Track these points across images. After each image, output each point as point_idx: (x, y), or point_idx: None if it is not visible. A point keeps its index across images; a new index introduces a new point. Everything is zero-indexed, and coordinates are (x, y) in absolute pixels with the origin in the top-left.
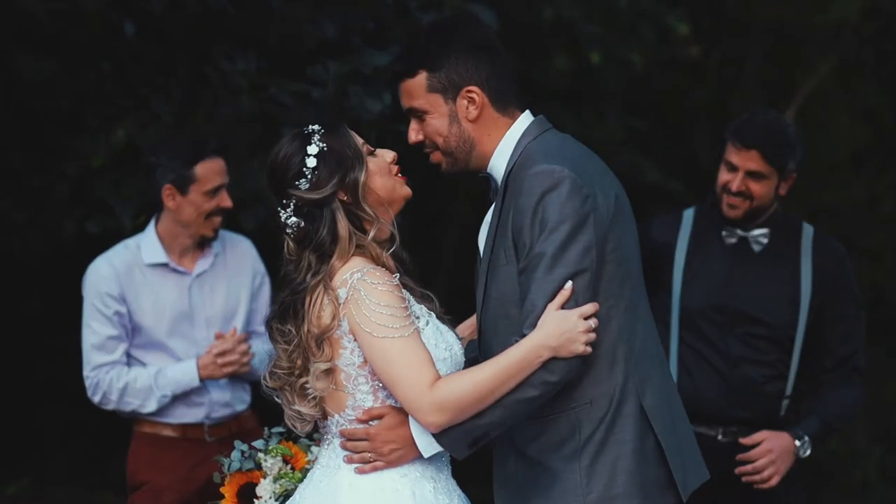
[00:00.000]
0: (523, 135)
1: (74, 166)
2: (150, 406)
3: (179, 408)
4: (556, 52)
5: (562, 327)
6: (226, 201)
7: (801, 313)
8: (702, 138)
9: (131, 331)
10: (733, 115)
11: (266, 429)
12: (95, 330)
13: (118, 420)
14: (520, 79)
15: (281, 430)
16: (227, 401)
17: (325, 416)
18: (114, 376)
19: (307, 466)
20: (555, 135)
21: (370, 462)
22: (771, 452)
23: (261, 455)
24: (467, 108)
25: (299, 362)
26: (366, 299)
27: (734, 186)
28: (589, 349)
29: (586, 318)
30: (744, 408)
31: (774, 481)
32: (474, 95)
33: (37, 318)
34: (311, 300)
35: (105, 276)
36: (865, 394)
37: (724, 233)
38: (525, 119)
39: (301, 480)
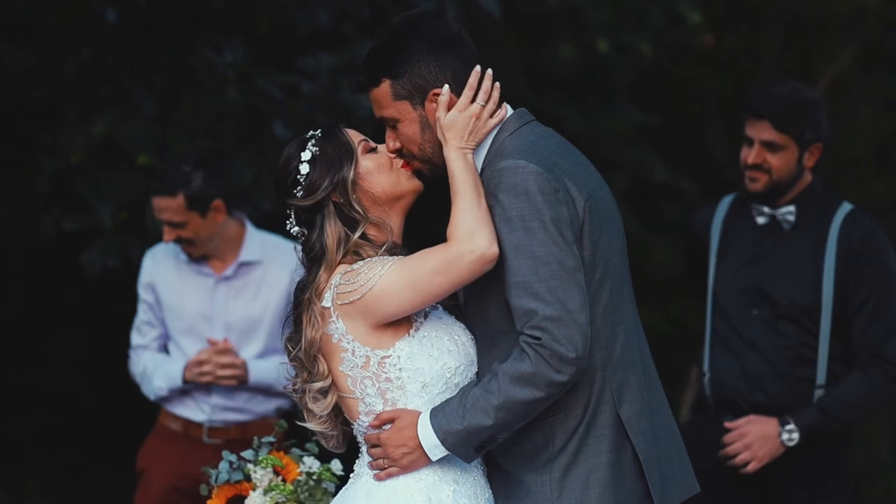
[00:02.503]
0: (500, 130)
1: (52, 161)
2: (150, 395)
3: (186, 402)
4: (562, 40)
5: (461, 124)
6: (166, 235)
7: (823, 294)
8: (715, 133)
9: (162, 321)
10: None
11: (256, 438)
12: (138, 313)
13: (96, 431)
14: (523, 69)
15: (271, 439)
16: (231, 406)
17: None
18: (138, 360)
19: (299, 478)
20: (533, 128)
21: (385, 468)
22: (745, 437)
23: (250, 466)
24: (437, 111)
25: (305, 375)
26: (350, 283)
27: (750, 159)
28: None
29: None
30: (763, 393)
31: (751, 467)
32: (442, 97)
33: (17, 322)
34: (307, 317)
35: (145, 265)
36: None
37: (753, 211)
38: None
39: (292, 493)
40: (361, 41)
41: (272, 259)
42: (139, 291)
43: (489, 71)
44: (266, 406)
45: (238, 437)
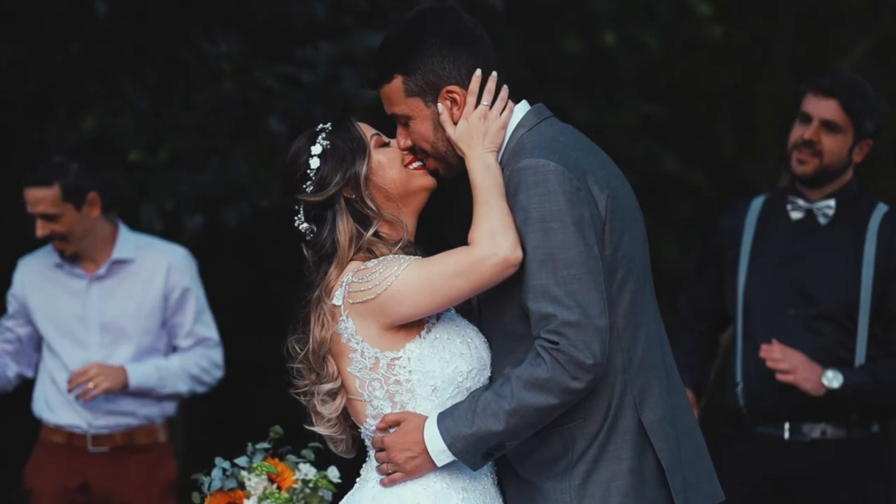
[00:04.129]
0: (518, 126)
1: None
2: None
3: (62, 408)
4: (567, 32)
5: (473, 131)
6: (39, 230)
7: (862, 294)
8: (725, 126)
9: (33, 331)
10: (760, 101)
11: (250, 444)
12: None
13: None
14: (526, 62)
15: (266, 445)
16: (112, 410)
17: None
18: None
19: (294, 486)
20: (551, 124)
21: (390, 474)
22: (793, 356)
23: (244, 473)
24: (451, 109)
25: (313, 377)
26: (363, 281)
27: (807, 134)
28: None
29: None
30: (799, 396)
31: (789, 378)
32: (456, 95)
33: None
34: (315, 315)
35: (15, 276)
36: None
37: (789, 206)
38: (520, 110)
39: (288, 500)
40: (360, 31)
41: (146, 257)
42: (8, 298)
43: (494, 74)
44: (150, 410)
45: (124, 443)
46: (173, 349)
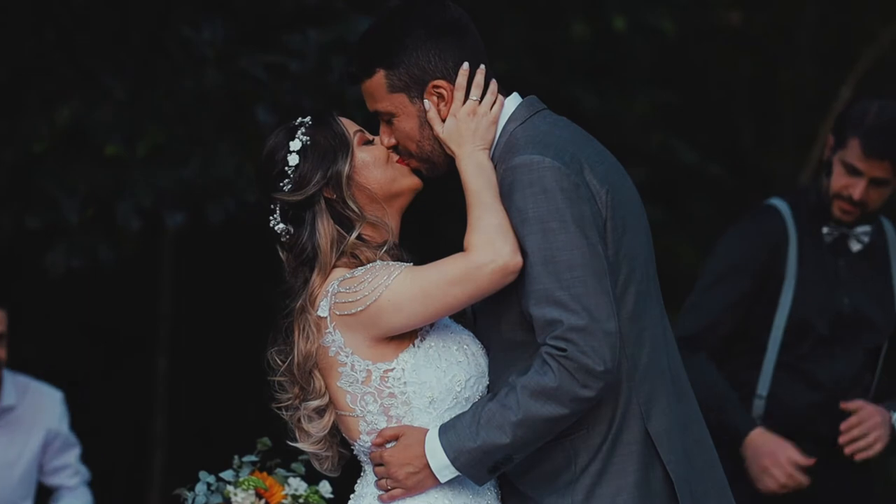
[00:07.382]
0: (509, 120)
1: (11, 151)
2: None
3: None
4: (575, 17)
5: (462, 128)
6: None
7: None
8: (744, 116)
9: None
10: (782, 90)
11: (236, 457)
12: None
13: None
14: (531, 49)
15: (253, 458)
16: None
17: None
18: None
19: (283, 501)
20: (545, 118)
21: (389, 490)
22: (876, 415)
23: (230, 488)
24: (438, 105)
25: (296, 391)
26: (351, 291)
27: (857, 195)
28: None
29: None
30: (833, 421)
31: (878, 447)
32: (442, 90)
33: None
34: (299, 327)
35: None
36: None
37: (825, 229)
38: (511, 103)
39: None
40: (353, 16)
41: (27, 404)
42: None
43: (482, 66)
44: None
45: None
46: (41, 488)
